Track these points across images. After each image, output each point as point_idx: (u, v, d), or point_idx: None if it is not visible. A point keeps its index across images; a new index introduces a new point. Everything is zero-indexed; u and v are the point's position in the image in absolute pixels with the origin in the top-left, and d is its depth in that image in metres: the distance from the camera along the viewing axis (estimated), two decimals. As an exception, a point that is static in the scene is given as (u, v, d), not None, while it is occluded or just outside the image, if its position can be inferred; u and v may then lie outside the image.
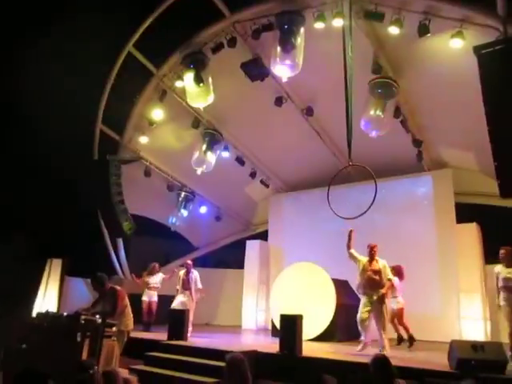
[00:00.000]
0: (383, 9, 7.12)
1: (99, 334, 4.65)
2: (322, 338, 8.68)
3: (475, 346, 5.18)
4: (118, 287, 5.84)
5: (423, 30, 6.92)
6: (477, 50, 6.27)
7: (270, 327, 10.34)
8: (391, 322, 7.73)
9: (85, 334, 4.74)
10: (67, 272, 11.27)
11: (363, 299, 6.90)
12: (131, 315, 5.91)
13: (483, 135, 6.41)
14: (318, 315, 8.78)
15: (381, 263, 6.95)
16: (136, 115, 10.43)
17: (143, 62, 9.57)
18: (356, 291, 7.34)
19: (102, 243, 11.92)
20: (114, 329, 4.87)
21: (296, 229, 12.44)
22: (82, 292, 11.47)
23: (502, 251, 6.63)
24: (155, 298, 9.91)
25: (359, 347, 6.74)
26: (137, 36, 9.09)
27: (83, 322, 4.83)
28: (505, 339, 6.62)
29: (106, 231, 11.58)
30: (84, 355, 4.66)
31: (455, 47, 6.94)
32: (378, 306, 6.73)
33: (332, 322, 8.78)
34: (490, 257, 10.11)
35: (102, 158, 10.71)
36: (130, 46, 9.27)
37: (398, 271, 7.94)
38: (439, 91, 8.40)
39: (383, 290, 6.76)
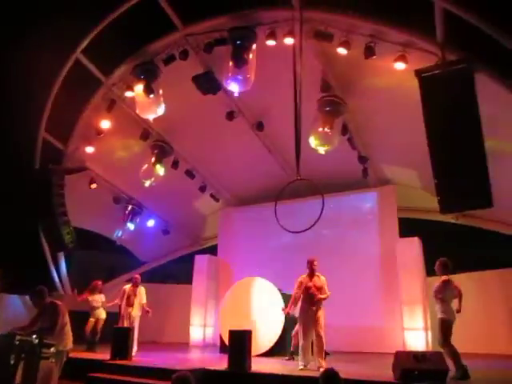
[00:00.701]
0: (332, 30, 7.37)
1: (35, 356, 4.34)
2: (271, 352, 8.64)
3: (417, 357, 5.35)
4: (59, 302, 5.50)
5: (369, 52, 7.23)
6: (418, 73, 6.64)
7: (218, 343, 10.18)
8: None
9: (19, 356, 4.41)
10: (1, 288, 10.55)
11: (302, 313, 6.86)
12: (71, 333, 5.56)
13: (425, 154, 6.75)
14: (267, 330, 8.76)
15: (322, 278, 6.95)
16: (82, 124, 10.09)
17: (92, 69, 9.29)
18: (291, 306, 7.07)
19: (41, 257, 11.30)
20: (53, 349, 4.57)
21: (245, 243, 12.43)
22: (18, 310, 10.77)
23: (436, 262, 6.73)
24: (103, 316, 9.45)
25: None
26: (85, 43, 8.81)
27: (18, 342, 4.49)
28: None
29: (45, 244, 11.00)
30: (17, 379, 4.32)
31: (399, 69, 7.29)
32: (315, 320, 6.70)
33: (282, 337, 8.78)
34: (431, 269, 10.58)
35: (44, 168, 10.23)
36: (78, 52, 8.97)
37: None
38: (384, 110, 8.78)
39: (321, 304, 6.78)
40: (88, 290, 9.58)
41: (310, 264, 6.92)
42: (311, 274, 6.91)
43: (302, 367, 6.52)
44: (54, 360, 4.57)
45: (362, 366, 7.15)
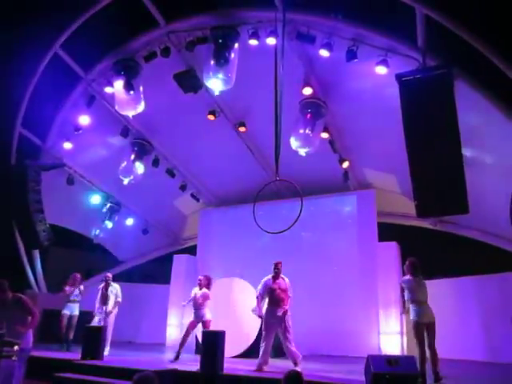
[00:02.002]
0: (315, 32, 7.39)
1: (-5, 354, 4.19)
2: (248, 354, 8.57)
3: (390, 361, 5.34)
4: (21, 295, 5.28)
5: (351, 56, 7.25)
6: (399, 77, 6.67)
7: (194, 344, 10.06)
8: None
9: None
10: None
11: (266, 315, 6.88)
12: (31, 331, 5.37)
13: (404, 159, 6.78)
14: (244, 331, 8.70)
15: (286, 280, 7.00)
16: (61, 120, 9.91)
17: (71, 64, 9.12)
18: (256, 308, 7.15)
19: (15, 254, 11.03)
20: (16, 348, 4.42)
21: (225, 244, 12.33)
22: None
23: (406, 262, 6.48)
24: (77, 312, 9.27)
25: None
26: (64, 37, 8.64)
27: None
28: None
29: (20, 241, 10.75)
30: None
31: (380, 73, 7.32)
32: (282, 321, 6.72)
33: (258, 338, 8.71)
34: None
35: (20, 163, 10.00)
36: (56, 47, 8.80)
37: (209, 281, 8.13)
38: (365, 114, 8.81)
39: (286, 306, 6.81)
40: (68, 282, 9.42)
41: (275, 267, 7.00)
42: (276, 277, 6.97)
43: (256, 368, 6.54)
44: (15, 358, 4.42)
45: (334, 369, 7.13)
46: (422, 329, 5.92)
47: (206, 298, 7.92)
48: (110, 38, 8.82)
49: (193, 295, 8.03)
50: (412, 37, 6.94)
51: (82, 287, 9.45)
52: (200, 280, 8.12)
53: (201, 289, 8.02)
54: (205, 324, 7.77)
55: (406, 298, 6.12)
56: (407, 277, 6.15)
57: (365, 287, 10.22)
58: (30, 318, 4.95)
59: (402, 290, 6.22)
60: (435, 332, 5.96)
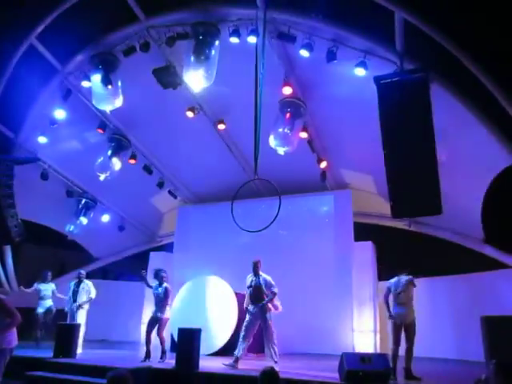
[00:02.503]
0: (295, 32, 7.42)
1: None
2: (223, 352, 8.56)
3: (363, 358, 5.45)
4: (1, 296, 5.23)
5: (331, 56, 7.33)
6: (377, 79, 6.78)
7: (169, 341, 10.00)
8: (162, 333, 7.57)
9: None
10: None
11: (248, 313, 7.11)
12: (15, 330, 5.30)
13: (381, 160, 6.88)
14: (219, 329, 8.69)
15: (262, 278, 7.13)
16: (35, 113, 9.67)
17: (47, 56, 8.91)
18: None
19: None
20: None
21: (202, 241, 12.27)
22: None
23: None
24: (52, 307, 9.22)
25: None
26: (41, 27, 8.43)
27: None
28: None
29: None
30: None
31: (359, 75, 7.41)
32: (262, 317, 6.88)
33: (234, 336, 8.72)
34: (383, 273, 10.84)
35: (-9, 157, 9.72)
36: (32, 37, 8.58)
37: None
38: (343, 115, 8.91)
39: (264, 302, 6.94)
40: (40, 280, 9.31)
41: (254, 265, 7.21)
42: (255, 274, 7.17)
43: (227, 363, 6.64)
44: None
45: (308, 367, 7.20)
46: (395, 327, 6.09)
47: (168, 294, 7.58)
48: (89, 30, 8.61)
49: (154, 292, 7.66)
50: (391, 40, 7.06)
51: (53, 285, 9.35)
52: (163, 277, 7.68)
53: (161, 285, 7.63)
54: (161, 322, 7.48)
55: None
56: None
57: (340, 286, 10.33)
58: (8, 319, 4.82)
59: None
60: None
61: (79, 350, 7.80)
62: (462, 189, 8.48)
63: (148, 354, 7.31)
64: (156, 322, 7.49)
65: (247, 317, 7.08)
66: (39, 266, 10.93)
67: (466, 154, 8.03)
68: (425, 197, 6.67)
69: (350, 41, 7.31)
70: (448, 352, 9.26)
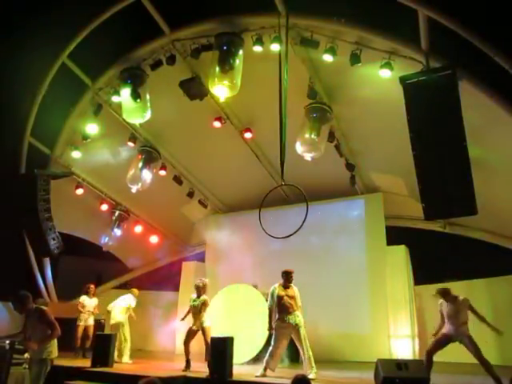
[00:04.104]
0: (318, 37, 7.39)
1: (6, 362, 4.20)
2: (257, 360, 8.53)
3: (399, 365, 5.31)
4: (44, 307, 5.37)
5: (355, 59, 7.25)
6: (402, 80, 6.65)
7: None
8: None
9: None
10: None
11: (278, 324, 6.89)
12: (55, 341, 5.45)
13: (410, 161, 6.74)
14: (253, 338, 8.67)
15: (295, 289, 7.05)
16: (68, 129, 10.02)
17: (78, 74, 9.23)
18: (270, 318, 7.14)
19: (26, 263, 11.14)
20: (26, 355, 4.44)
21: (233, 250, 12.30)
22: (2, 317, 10.57)
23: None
24: (91, 322, 9.48)
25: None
26: (72, 47, 8.75)
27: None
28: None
29: (31, 250, 10.86)
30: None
31: (384, 76, 7.31)
32: (296, 329, 6.74)
33: (267, 344, 8.67)
34: (418, 278, 10.59)
35: (29, 173, 10.11)
36: (64, 56, 8.91)
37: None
38: (370, 118, 8.79)
39: (298, 313, 6.83)
40: (83, 293, 9.63)
41: (289, 275, 7.06)
42: (286, 285, 7.02)
43: (258, 374, 6.56)
44: (26, 366, 4.44)
45: (344, 374, 7.08)
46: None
47: (205, 304, 7.73)
48: (116, 47, 8.91)
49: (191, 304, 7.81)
50: (415, 39, 6.92)
51: (96, 300, 9.63)
52: (198, 287, 7.84)
53: (199, 296, 7.80)
54: (204, 331, 7.60)
55: None
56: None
57: (374, 292, 10.15)
58: (49, 330, 4.94)
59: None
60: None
61: (127, 360, 8.20)
62: (498, 187, 8.20)
63: (188, 364, 7.41)
64: (194, 333, 7.63)
65: (278, 330, 6.88)
66: (77, 277, 11.25)
67: (499, 152, 7.77)
68: (458, 197, 6.47)
69: (374, 42, 7.21)
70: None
